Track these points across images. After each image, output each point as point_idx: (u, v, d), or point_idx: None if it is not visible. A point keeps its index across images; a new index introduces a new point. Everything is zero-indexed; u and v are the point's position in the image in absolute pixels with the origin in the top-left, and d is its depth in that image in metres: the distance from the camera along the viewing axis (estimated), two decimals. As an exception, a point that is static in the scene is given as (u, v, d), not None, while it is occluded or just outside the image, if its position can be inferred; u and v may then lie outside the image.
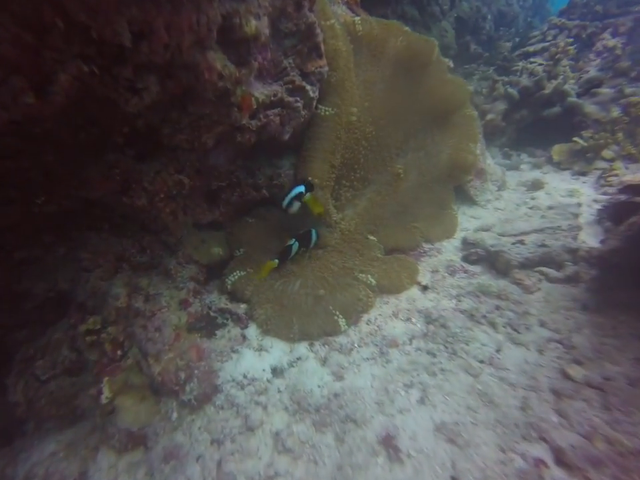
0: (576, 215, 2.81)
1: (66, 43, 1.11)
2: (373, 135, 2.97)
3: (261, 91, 2.01)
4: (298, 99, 2.18)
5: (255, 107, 1.96)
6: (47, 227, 2.19)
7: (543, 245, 2.54)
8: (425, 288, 2.60)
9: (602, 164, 3.66)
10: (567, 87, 3.92)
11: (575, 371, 1.72)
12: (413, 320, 2.35)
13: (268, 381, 2.03)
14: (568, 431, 1.52)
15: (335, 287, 2.43)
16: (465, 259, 2.84)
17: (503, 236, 2.88)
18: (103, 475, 1.68)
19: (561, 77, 4.05)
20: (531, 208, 3.39)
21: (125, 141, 2.10)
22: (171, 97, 1.77)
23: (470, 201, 3.60)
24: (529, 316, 2.11)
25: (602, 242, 2.32)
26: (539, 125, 4.41)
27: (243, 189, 2.60)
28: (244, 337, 2.23)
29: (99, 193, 2.10)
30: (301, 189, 2.39)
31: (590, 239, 2.55)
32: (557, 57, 4.27)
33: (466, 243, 2.97)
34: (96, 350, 1.80)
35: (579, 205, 3.01)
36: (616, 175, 3.30)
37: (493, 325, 2.16)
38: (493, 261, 2.68)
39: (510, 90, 4.18)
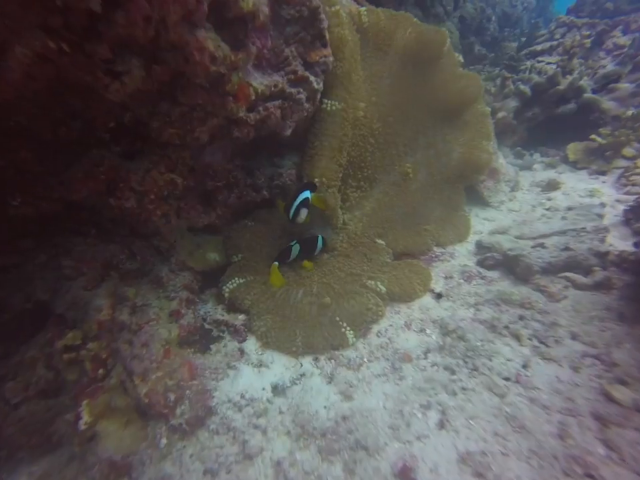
0: (600, 216, 2.60)
1: (21, 7, 0.93)
2: (380, 132, 2.79)
3: (260, 81, 1.83)
4: (301, 90, 2.00)
5: (253, 97, 1.78)
6: (25, 232, 2.00)
7: (567, 249, 2.33)
8: (438, 296, 2.39)
9: (622, 162, 3.46)
10: (583, 82, 3.73)
11: (621, 393, 1.51)
12: (428, 331, 2.15)
13: (268, 400, 1.83)
14: (621, 468, 1.31)
15: (342, 296, 2.23)
16: (481, 263, 2.63)
17: (521, 239, 2.68)
18: (81, 511, 1.48)
19: (577, 71, 3.87)
20: (547, 209, 3.18)
21: (111, 136, 1.93)
22: (159, 84, 1.59)
23: (482, 202, 3.41)
24: (557, 327, 1.90)
25: (637, 244, 2.12)
26: (552, 123, 4.21)
27: (242, 190, 2.41)
28: (242, 352, 2.02)
29: (81, 194, 1.91)
30: (307, 194, 2.20)
31: (618, 242, 2.35)
32: (572, 50, 4.08)
33: (480, 247, 2.77)
34: (75, 369, 1.60)
35: (603, 205, 2.80)
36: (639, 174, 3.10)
37: (517, 337, 1.95)
38: (511, 266, 2.47)
39: (522, 87, 4.00)
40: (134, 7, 1.08)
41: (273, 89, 1.88)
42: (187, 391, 1.69)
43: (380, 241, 2.67)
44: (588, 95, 3.70)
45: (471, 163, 3.07)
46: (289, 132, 2.10)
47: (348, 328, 2.09)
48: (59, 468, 1.53)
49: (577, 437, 1.41)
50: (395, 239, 2.75)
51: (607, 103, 3.63)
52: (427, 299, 2.39)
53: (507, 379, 1.74)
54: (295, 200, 2.16)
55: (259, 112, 1.89)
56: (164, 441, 1.64)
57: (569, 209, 2.96)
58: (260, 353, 2.05)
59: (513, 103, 4.15)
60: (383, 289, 2.28)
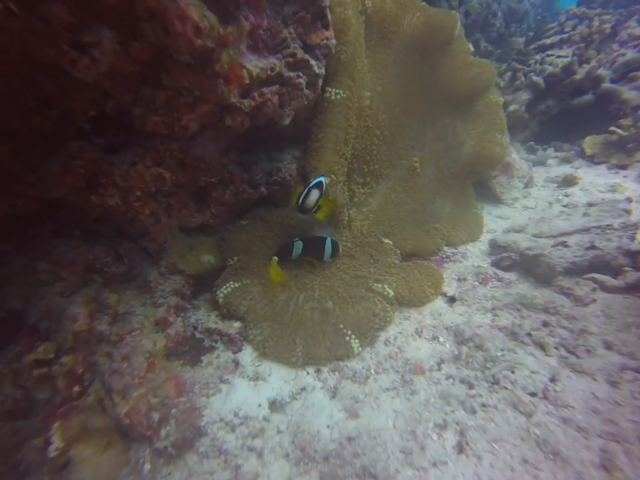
0: (627, 212, 2.40)
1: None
2: (386, 124, 2.60)
3: (255, 64, 1.65)
4: (300, 74, 1.82)
5: (247, 81, 1.59)
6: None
7: (593, 247, 2.13)
8: (452, 299, 2.20)
9: (645, 155, 3.25)
10: (601, 71, 3.52)
11: (673, 415, 1.32)
12: (441, 339, 1.95)
13: (265, 419, 1.64)
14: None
15: (346, 300, 2.04)
16: (496, 264, 2.43)
17: (540, 237, 2.48)
18: None
19: (595, 60, 3.66)
20: (565, 206, 2.98)
21: (93, 127, 1.76)
22: (141, 65, 1.41)
23: (495, 199, 3.21)
24: (588, 335, 1.70)
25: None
26: (566, 116, 4.00)
27: (237, 186, 2.23)
28: (236, 363, 1.84)
29: (59, 191, 1.74)
30: (322, 179, 1.98)
31: (650, 240, 2.15)
32: (590, 37, 3.86)
33: (495, 247, 2.58)
34: (46, 386, 1.43)
35: (629, 200, 2.59)
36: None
37: (541, 346, 1.75)
38: (530, 267, 2.27)
39: (535, 78, 3.79)
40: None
41: (269, 72, 1.70)
42: (173, 410, 1.51)
43: (387, 241, 2.48)
44: (607, 84, 3.49)
45: (484, 157, 2.88)
46: (287, 121, 1.91)
47: (353, 336, 1.91)
48: (27, 500, 1.35)
49: (627, 470, 1.21)
50: (403, 238, 2.56)
51: (628, 93, 3.41)
52: (439, 303, 2.19)
53: (533, 395, 1.54)
54: (310, 183, 1.96)
55: (254, 98, 1.71)
56: (147, 466, 1.45)
57: (590, 204, 2.76)
58: (256, 364, 1.87)
59: (525, 96, 3.94)
60: (391, 293, 2.09)
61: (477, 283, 2.28)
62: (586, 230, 2.34)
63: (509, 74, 4.77)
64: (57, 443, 1.33)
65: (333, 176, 2.21)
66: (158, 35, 1.16)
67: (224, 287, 2.05)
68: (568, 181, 3.29)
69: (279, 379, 1.82)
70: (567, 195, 3.13)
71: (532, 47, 6.24)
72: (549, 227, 2.54)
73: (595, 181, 3.22)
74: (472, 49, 3.10)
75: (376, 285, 2.11)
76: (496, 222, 2.99)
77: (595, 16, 5.93)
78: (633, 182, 3.06)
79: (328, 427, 1.59)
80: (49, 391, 1.43)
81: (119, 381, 1.46)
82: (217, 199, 2.21)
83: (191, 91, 1.50)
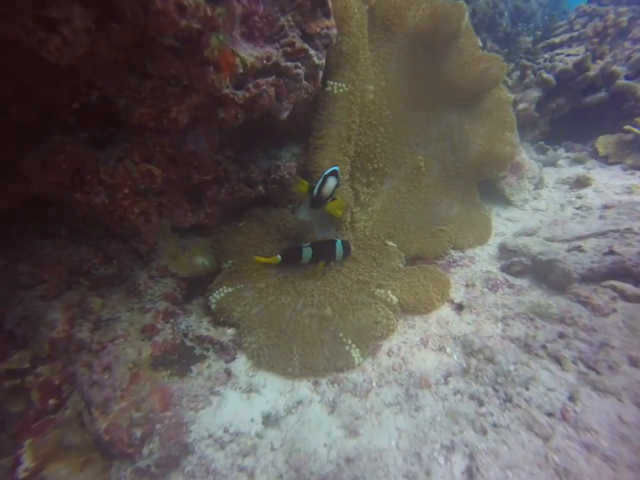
0: (648, 215, 2.26)
1: None
2: (389, 121, 2.48)
3: (249, 52, 1.53)
4: (299, 65, 1.69)
5: (240, 71, 1.48)
6: (-22, 232, 1.74)
7: (611, 252, 2.00)
8: (459, 307, 2.07)
9: (662, 156, 3.10)
10: (616, 67, 3.38)
11: None
12: (448, 350, 1.83)
13: (257, 435, 1.52)
14: None
15: (347, 307, 1.92)
16: (506, 269, 2.30)
17: (553, 241, 2.35)
18: None
19: (610, 56, 3.52)
20: (578, 208, 2.85)
21: (77, 120, 1.65)
22: (125, 51, 1.30)
23: (504, 200, 3.07)
24: (609, 349, 1.56)
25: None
26: (578, 115, 3.86)
27: (233, 185, 2.11)
28: (229, 374, 1.72)
29: (40, 188, 1.64)
30: (335, 168, 1.89)
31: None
32: (605, 32, 3.72)
33: (505, 250, 2.44)
34: (19, 399, 1.31)
35: (649, 202, 2.46)
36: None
37: (558, 359, 1.62)
38: (543, 273, 2.14)
39: (545, 75, 3.65)
40: None
41: (265, 62, 1.58)
42: (158, 425, 1.39)
43: (391, 243, 2.35)
44: (621, 81, 3.35)
45: (493, 157, 2.74)
46: (285, 115, 1.79)
47: (353, 345, 1.78)
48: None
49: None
50: (408, 240, 2.44)
51: (645, 90, 3.27)
52: (446, 311, 2.06)
53: (550, 415, 1.40)
54: (325, 172, 1.87)
55: (248, 89, 1.59)
56: (128, 487, 1.34)
57: (606, 207, 2.62)
58: (250, 374, 1.75)
59: (534, 94, 3.80)
60: (395, 300, 1.96)
61: (486, 289, 2.14)
62: (603, 234, 2.20)
63: (517, 73, 4.64)
64: (27, 462, 1.22)
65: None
66: (136, 13, 1.04)
67: (217, 291, 1.93)
68: (581, 182, 3.15)
69: (273, 390, 1.70)
70: (579, 197, 2.99)
71: (540, 45, 6.09)
72: (562, 230, 2.40)
73: (609, 182, 3.07)
74: (480, 43, 2.98)
75: (378, 290, 1.98)
76: (505, 224, 2.86)
77: (607, 13, 5.78)
78: (651, 183, 2.92)
79: (325, 445, 1.47)
80: (22, 404, 1.31)
81: (99, 393, 1.34)
82: (212, 198, 2.09)
83: (179, 80, 1.39)
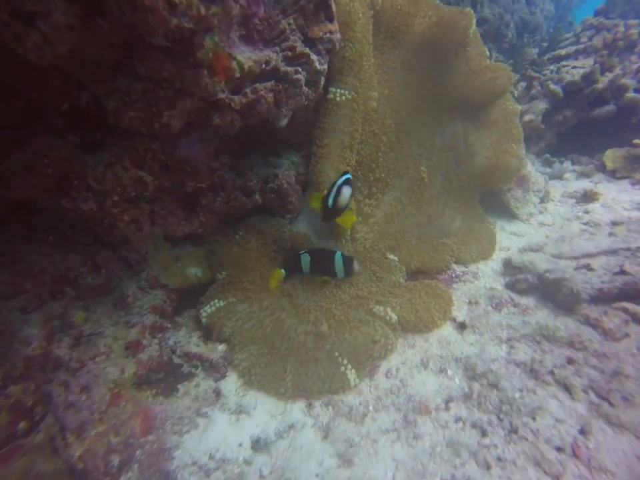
0: (660, 234, 2.17)
1: None
2: (392, 130, 2.40)
3: (247, 56, 1.46)
4: (299, 70, 1.62)
5: (237, 74, 1.40)
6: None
7: (623, 272, 1.90)
8: (462, 326, 1.98)
9: (672, 172, 3.02)
10: (626, 80, 3.31)
11: None
12: (449, 372, 1.73)
13: (245, 461, 1.43)
14: None
15: (344, 324, 1.82)
16: (511, 287, 2.21)
17: (560, 258, 2.25)
18: None
19: (619, 68, 3.45)
20: (586, 223, 2.75)
21: (65, 122, 1.58)
22: (116, 51, 1.23)
23: (509, 214, 2.98)
24: (623, 378, 1.46)
25: None
26: (585, 128, 3.78)
27: (229, 193, 2.04)
28: (217, 393, 1.63)
29: (23, 193, 1.55)
30: (348, 175, 1.77)
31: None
32: (614, 44, 3.66)
33: (509, 267, 2.35)
34: (-12, 421, 1.22)
35: (661, 220, 2.37)
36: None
37: (567, 387, 1.52)
38: (550, 292, 2.04)
39: (552, 87, 3.58)
40: None
41: (264, 66, 1.50)
42: (138, 451, 1.29)
43: (392, 256, 2.26)
44: (631, 94, 3.27)
45: (499, 170, 2.66)
46: (284, 122, 1.71)
47: (349, 366, 1.69)
48: None
49: None
50: (409, 253, 2.35)
51: (654, 105, 3.20)
52: (448, 330, 1.97)
53: (559, 450, 1.31)
54: (337, 181, 1.75)
55: (245, 95, 1.51)
56: (103, 519, 1.24)
57: (615, 223, 2.53)
58: (241, 394, 1.66)
59: (541, 105, 3.73)
60: (394, 317, 1.87)
61: (490, 307, 2.05)
62: (613, 252, 2.11)
63: (522, 84, 4.58)
64: (-8, 492, 1.12)
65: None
66: (123, 9, 0.97)
67: (208, 305, 1.85)
68: (588, 197, 3.06)
69: (264, 412, 1.61)
70: (587, 212, 2.90)
71: (546, 57, 6.04)
72: (570, 246, 2.31)
73: (617, 197, 2.98)
74: (487, 52, 2.91)
75: (377, 307, 1.89)
76: (510, 239, 2.77)
77: (614, 26, 5.73)
78: (661, 200, 2.83)
79: (317, 475, 1.38)
80: (-10, 428, 1.22)
81: (74, 416, 1.25)
82: (207, 206, 2.02)
83: (172, 83, 1.31)
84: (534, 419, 1.42)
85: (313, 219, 2.21)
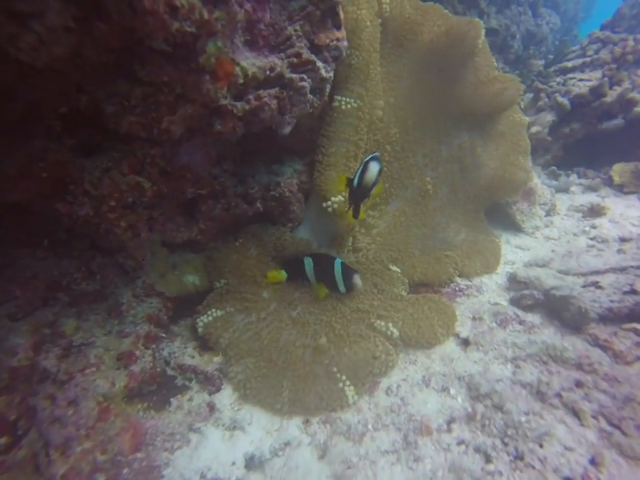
0: (671, 252, 2.12)
1: None
2: (397, 140, 2.37)
3: (251, 61, 1.42)
4: (304, 77, 1.58)
5: (241, 81, 1.36)
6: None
7: (633, 292, 1.85)
8: (465, 342, 1.92)
9: (681, 188, 2.97)
10: (635, 94, 3.28)
11: None
12: (452, 391, 1.67)
13: (238, 482, 1.36)
14: None
15: (343, 339, 1.77)
16: (516, 303, 2.15)
17: (567, 274, 2.20)
18: None
19: (628, 82, 3.42)
20: (592, 239, 2.70)
21: (64, 125, 1.54)
22: (116, 54, 1.19)
23: (514, 227, 2.93)
24: (636, 405, 1.40)
25: None
26: (592, 141, 3.74)
27: (230, 200, 2.00)
28: (212, 408, 1.57)
29: (16, 196, 1.51)
30: (376, 154, 1.59)
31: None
32: (623, 58, 3.63)
33: (514, 281, 2.30)
34: (-31, 435, 1.16)
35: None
36: None
37: (575, 412, 1.46)
38: (557, 310, 1.99)
39: (560, 99, 3.55)
40: None
41: (268, 72, 1.47)
42: (125, 470, 1.24)
43: (395, 268, 2.21)
44: (639, 109, 3.24)
45: (505, 182, 2.62)
46: (287, 130, 1.67)
47: (347, 382, 1.63)
48: None
49: None
50: (412, 265, 2.30)
51: (663, 119, 3.16)
52: (451, 346, 1.91)
53: (568, 480, 1.25)
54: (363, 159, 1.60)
55: (248, 101, 1.47)
56: (86, 541, 1.18)
57: (623, 239, 2.48)
58: (235, 408, 1.60)
59: (548, 117, 3.70)
60: (396, 333, 1.82)
61: (494, 324, 1.99)
62: (622, 269, 2.05)
63: (528, 95, 4.56)
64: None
65: (342, 195, 1.95)
66: (122, 12, 0.93)
67: (205, 314, 1.79)
68: (595, 211, 3.01)
69: (259, 428, 1.55)
70: (594, 227, 2.85)
71: (552, 69, 6.02)
72: (577, 262, 2.26)
73: (625, 212, 2.93)
74: (495, 63, 2.88)
75: (379, 322, 1.83)
76: (515, 252, 2.71)
77: (621, 40, 5.71)
78: (670, 216, 2.78)
79: (312, 499, 1.31)
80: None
81: (59, 431, 1.20)
82: (207, 213, 1.98)
83: (172, 88, 1.27)
84: (541, 445, 1.36)
85: (315, 228, 2.16)
